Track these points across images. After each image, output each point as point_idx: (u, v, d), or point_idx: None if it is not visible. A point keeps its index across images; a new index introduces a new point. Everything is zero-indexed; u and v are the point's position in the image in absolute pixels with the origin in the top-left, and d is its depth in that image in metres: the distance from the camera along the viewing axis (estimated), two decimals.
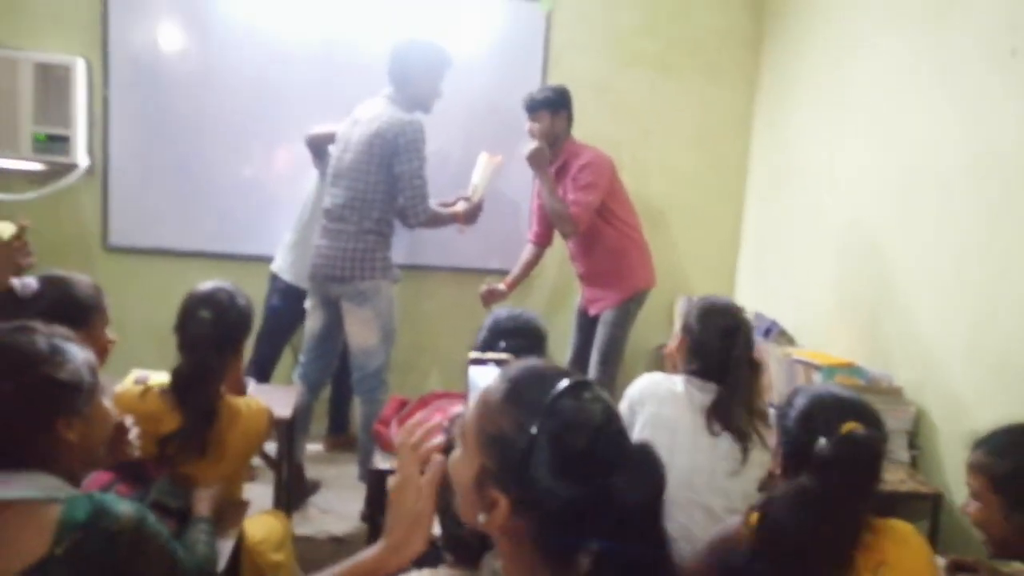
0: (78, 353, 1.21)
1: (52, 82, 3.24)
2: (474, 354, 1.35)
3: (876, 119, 2.82)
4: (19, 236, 1.65)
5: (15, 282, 1.76)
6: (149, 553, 1.15)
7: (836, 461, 1.27)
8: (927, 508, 2.28)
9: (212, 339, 1.74)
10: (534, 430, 0.86)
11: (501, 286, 3.36)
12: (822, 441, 1.30)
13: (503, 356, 1.32)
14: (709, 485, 1.79)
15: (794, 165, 3.43)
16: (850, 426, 1.30)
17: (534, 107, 3.16)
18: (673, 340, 2.02)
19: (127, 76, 3.39)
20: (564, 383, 0.89)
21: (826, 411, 1.37)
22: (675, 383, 1.90)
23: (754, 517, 1.28)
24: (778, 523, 1.25)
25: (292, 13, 3.45)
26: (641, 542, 0.85)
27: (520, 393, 0.91)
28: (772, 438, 1.83)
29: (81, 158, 3.36)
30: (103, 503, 1.11)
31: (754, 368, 1.91)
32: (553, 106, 3.15)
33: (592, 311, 3.35)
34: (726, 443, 1.81)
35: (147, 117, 3.44)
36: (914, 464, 2.42)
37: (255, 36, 3.44)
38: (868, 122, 2.87)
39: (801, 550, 1.24)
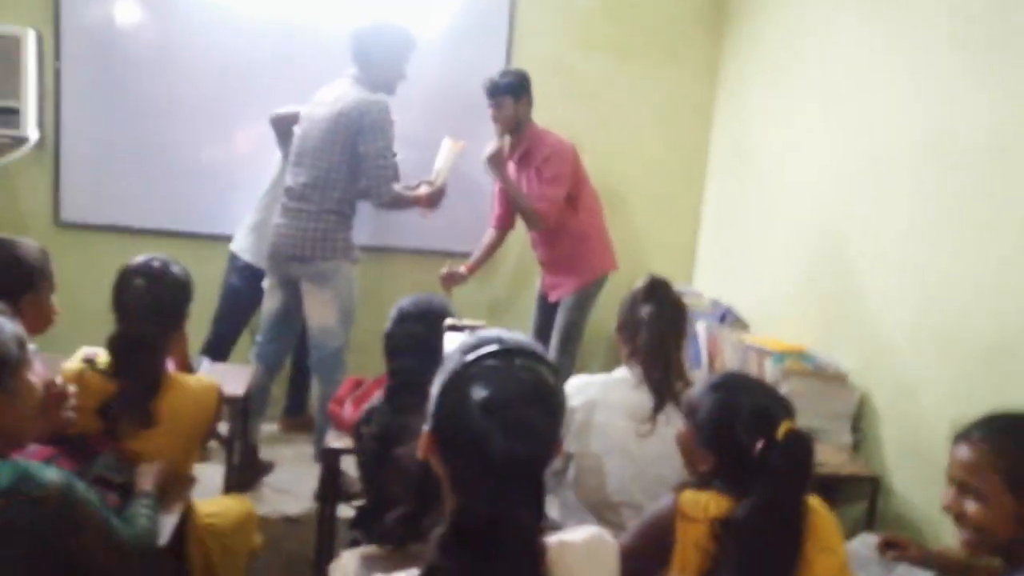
0: (5, 326, 1.19)
1: (1, 53, 3.15)
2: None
3: (833, 102, 2.85)
4: None
5: None
6: (79, 521, 1.14)
7: (786, 467, 1.31)
8: (866, 491, 2.35)
9: (147, 307, 1.73)
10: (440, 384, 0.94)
11: (462, 269, 3.37)
12: (759, 446, 1.33)
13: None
14: (643, 488, 1.80)
15: (753, 149, 3.47)
16: (787, 427, 1.32)
17: (496, 91, 3.15)
18: (618, 336, 2.02)
19: (80, 49, 3.32)
20: (493, 348, 0.94)
21: (755, 411, 1.38)
22: (599, 380, 1.91)
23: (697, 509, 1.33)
24: (745, 538, 1.29)
25: None
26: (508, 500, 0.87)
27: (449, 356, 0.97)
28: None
29: (31, 131, 3.29)
30: (27, 469, 1.10)
31: (677, 324, 1.94)
32: (516, 91, 3.15)
33: (552, 297, 3.38)
34: (657, 442, 1.80)
35: (101, 92, 3.37)
36: (855, 448, 2.49)
37: (216, 12, 3.38)
38: (825, 105, 2.90)
39: (767, 554, 1.29)
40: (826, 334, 2.78)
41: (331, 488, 2.38)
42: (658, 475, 1.79)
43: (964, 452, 1.31)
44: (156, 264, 1.79)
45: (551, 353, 3.30)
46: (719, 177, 3.83)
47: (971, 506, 1.29)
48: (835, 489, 2.39)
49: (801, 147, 3.07)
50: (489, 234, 3.48)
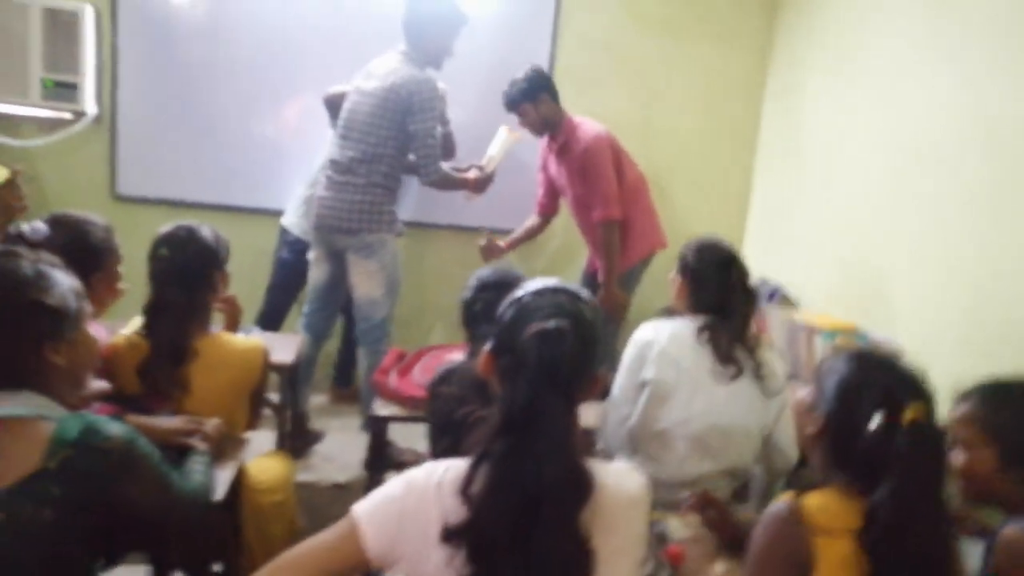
0: (64, 279, 1.23)
1: (61, 28, 3.23)
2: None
3: (888, 87, 2.80)
4: (12, 180, 1.67)
5: (24, 227, 1.78)
6: (140, 473, 1.18)
7: (910, 454, 1.14)
8: None
9: (170, 273, 1.78)
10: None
11: (501, 243, 3.38)
12: (877, 422, 1.16)
13: None
14: (710, 424, 1.85)
15: (804, 132, 3.40)
16: (914, 411, 1.15)
17: (513, 104, 3.12)
18: (672, 287, 2.04)
19: (136, 24, 3.38)
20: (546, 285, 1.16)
21: (887, 386, 1.21)
22: (679, 323, 1.94)
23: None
24: (893, 542, 1.14)
25: None
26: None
27: None
28: (779, 367, 1.93)
29: (90, 106, 3.37)
30: (94, 422, 1.14)
31: (749, 296, 1.95)
32: (531, 95, 3.09)
33: (600, 275, 3.35)
34: (730, 386, 1.85)
35: (156, 66, 3.43)
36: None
37: None
38: (879, 90, 2.84)
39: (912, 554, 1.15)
40: (877, 315, 2.72)
41: (379, 456, 2.42)
42: (725, 423, 1.84)
43: (958, 408, 1.42)
44: (182, 232, 1.83)
45: None
46: (769, 157, 3.76)
47: (959, 456, 1.39)
48: None
49: (854, 130, 3.00)
50: (532, 219, 3.48)
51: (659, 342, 1.90)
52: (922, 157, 2.55)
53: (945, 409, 2.32)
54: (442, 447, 1.80)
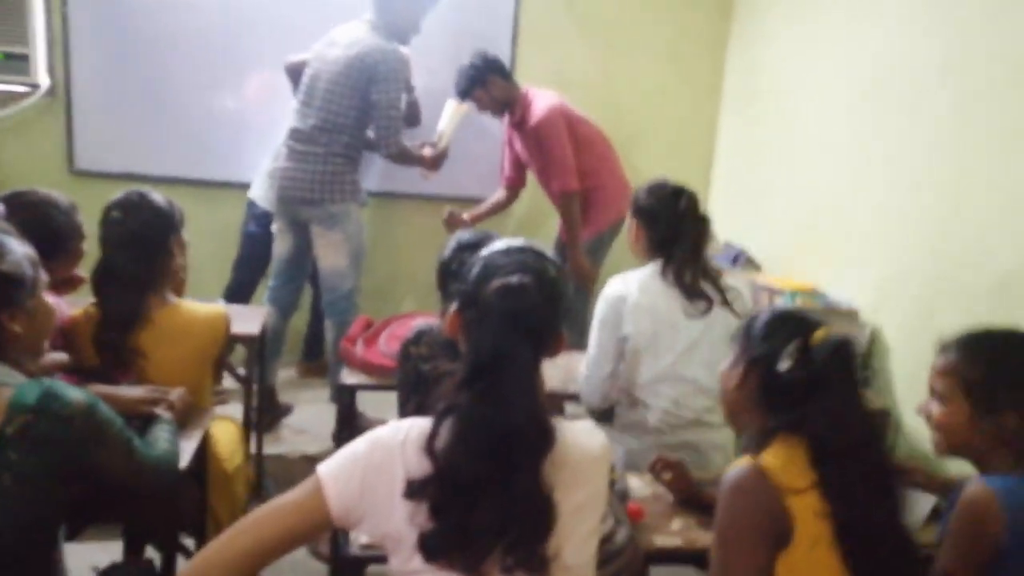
0: (18, 247, 1.22)
1: None
2: None
3: (846, 38, 2.82)
4: None
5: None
6: (102, 438, 1.18)
7: (828, 369, 1.25)
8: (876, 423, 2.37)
9: (123, 237, 1.72)
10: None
11: (465, 215, 3.37)
12: (795, 347, 1.27)
13: None
14: (694, 360, 1.93)
15: (766, 87, 3.42)
16: (823, 332, 1.28)
17: (465, 92, 3.13)
18: (629, 234, 2.10)
19: None
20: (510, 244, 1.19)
21: (790, 315, 1.39)
22: (644, 272, 2.00)
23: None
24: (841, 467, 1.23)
25: None
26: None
27: None
28: (744, 288, 2.03)
29: (42, 78, 3.28)
30: (53, 388, 1.14)
31: (699, 222, 2.01)
32: (480, 80, 3.09)
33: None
34: (705, 319, 1.94)
35: (111, 37, 3.34)
36: (866, 383, 2.50)
37: None
38: (838, 41, 2.87)
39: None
40: (836, 272, 2.78)
41: (348, 426, 2.43)
42: (707, 356, 1.91)
43: (937, 360, 1.41)
44: (134, 196, 1.77)
45: None
46: (732, 116, 3.78)
47: (935, 407, 1.39)
48: None
49: (814, 83, 3.02)
50: (498, 193, 3.48)
51: (631, 295, 1.95)
52: (883, 109, 2.57)
53: (897, 366, 2.42)
54: (411, 407, 1.82)
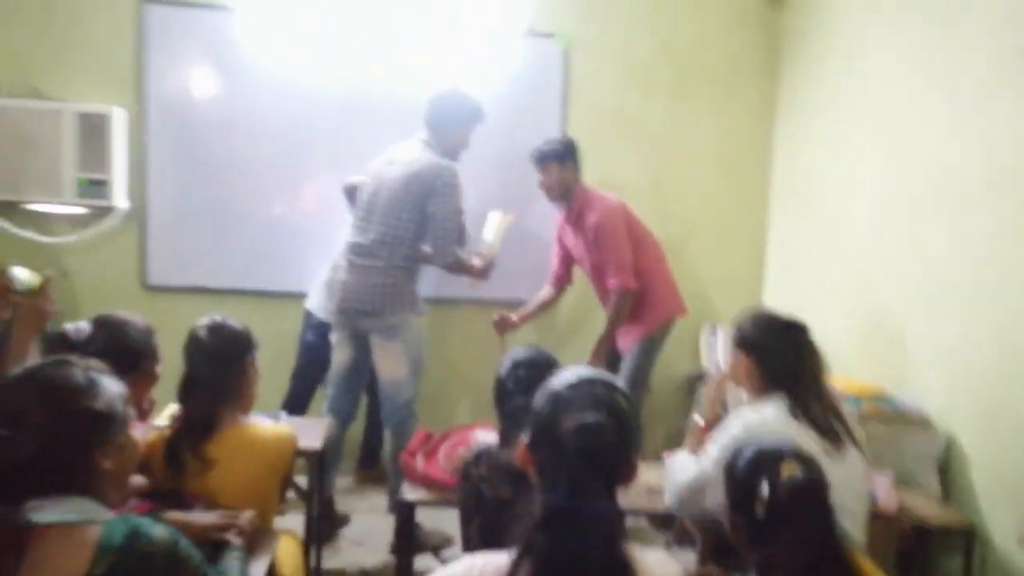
0: (112, 385, 1.28)
1: (93, 130, 3.40)
2: None
3: (893, 135, 2.84)
4: (44, 286, 1.77)
5: (68, 327, 1.85)
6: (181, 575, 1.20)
7: (791, 509, 1.37)
8: (961, 542, 2.24)
9: (203, 353, 1.89)
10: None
11: (513, 316, 3.42)
12: (764, 489, 1.38)
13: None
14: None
15: (815, 185, 3.45)
16: (789, 467, 1.40)
17: (542, 159, 3.25)
18: (735, 371, 2.01)
19: (162, 122, 3.55)
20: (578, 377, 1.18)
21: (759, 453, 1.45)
22: (770, 408, 1.87)
23: None
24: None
25: (316, 59, 3.60)
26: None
27: None
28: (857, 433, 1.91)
29: (120, 201, 3.51)
30: (139, 526, 1.16)
31: (818, 355, 1.93)
32: (560, 157, 3.23)
33: (620, 345, 3.37)
34: (845, 460, 1.80)
35: (182, 161, 3.58)
36: (945, 495, 2.38)
37: (281, 81, 3.59)
38: (885, 138, 2.89)
39: None
40: (903, 374, 2.70)
41: (407, 540, 2.40)
42: (840, 500, 1.71)
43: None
44: (216, 319, 1.96)
45: None
46: (781, 214, 3.81)
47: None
48: (928, 541, 2.29)
49: (866, 182, 3.04)
50: (545, 290, 3.53)
51: (770, 425, 1.82)
52: (931, 201, 2.57)
53: (977, 475, 2.30)
54: (472, 529, 1.80)
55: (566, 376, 1.18)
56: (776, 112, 3.85)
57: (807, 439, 1.79)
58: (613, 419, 1.10)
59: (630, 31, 3.78)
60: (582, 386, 1.15)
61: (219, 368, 1.88)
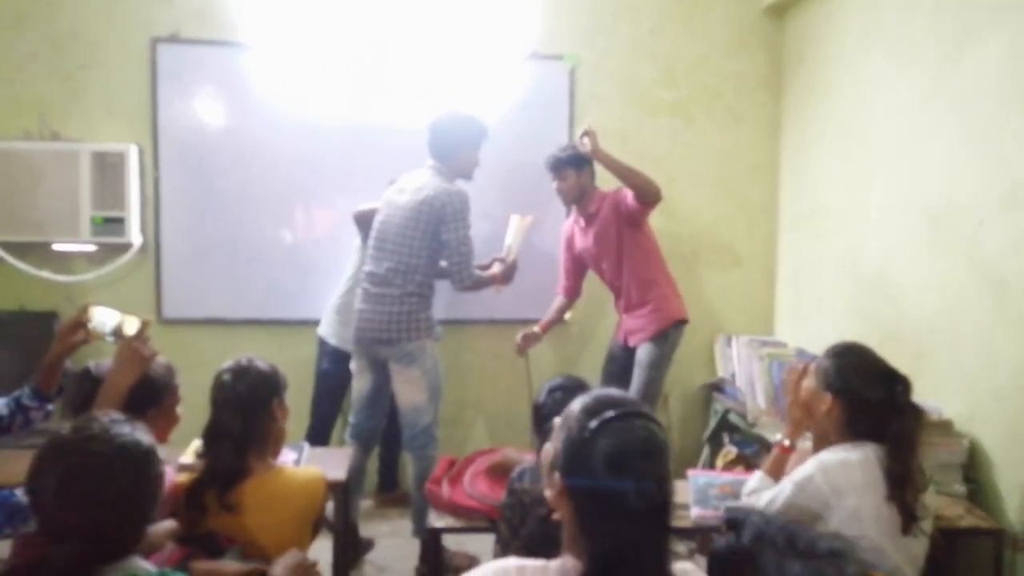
0: (143, 438, 1.28)
1: (108, 168, 3.43)
2: None
3: (902, 149, 2.85)
4: (143, 330, 1.76)
5: (91, 364, 1.88)
6: None
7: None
8: (989, 545, 2.24)
9: (231, 397, 1.83)
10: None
11: (536, 329, 3.47)
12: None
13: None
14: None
15: (823, 204, 3.46)
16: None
17: (559, 165, 3.27)
18: (816, 404, 1.87)
19: (175, 158, 3.58)
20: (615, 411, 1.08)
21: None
22: (862, 462, 1.74)
23: None
24: None
25: (324, 89, 3.63)
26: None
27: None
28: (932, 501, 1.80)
29: (135, 237, 3.54)
30: None
31: (918, 418, 1.77)
32: (577, 163, 3.26)
33: (632, 342, 3.37)
34: (917, 541, 1.73)
35: (194, 195, 3.62)
36: (971, 499, 2.38)
37: (290, 114, 3.62)
38: (895, 153, 2.90)
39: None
40: (923, 382, 2.70)
41: (436, 568, 2.42)
42: (891, 567, 1.65)
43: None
44: (243, 361, 1.91)
45: None
46: (791, 232, 3.82)
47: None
48: (955, 544, 2.29)
49: (873, 200, 3.04)
50: (558, 300, 3.58)
51: (853, 495, 1.69)
52: (943, 217, 2.58)
53: (1003, 480, 2.29)
54: (517, 543, 1.81)
55: (600, 410, 1.08)
56: (782, 130, 3.86)
57: (891, 510, 1.67)
58: (660, 460, 1.05)
59: (634, 52, 3.80)
60: (624, 426, 1.06)
61: (244, 416, 1.83)
